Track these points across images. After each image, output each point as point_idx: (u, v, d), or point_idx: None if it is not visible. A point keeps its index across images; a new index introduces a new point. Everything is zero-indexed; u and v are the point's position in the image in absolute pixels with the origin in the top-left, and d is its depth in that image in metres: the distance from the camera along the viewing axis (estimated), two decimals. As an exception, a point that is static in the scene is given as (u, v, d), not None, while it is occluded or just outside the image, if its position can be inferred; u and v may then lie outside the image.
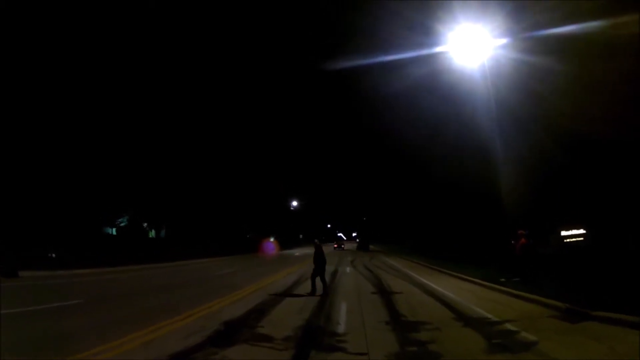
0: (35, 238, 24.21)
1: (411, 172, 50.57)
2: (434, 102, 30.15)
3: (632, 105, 14.54)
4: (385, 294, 13.52)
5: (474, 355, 6.35)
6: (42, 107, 28.48)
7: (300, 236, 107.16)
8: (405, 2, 23.98)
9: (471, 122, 24.83)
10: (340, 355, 6.40)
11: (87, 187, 32.55)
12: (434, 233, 46.99)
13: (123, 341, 6.90)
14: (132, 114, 36.75)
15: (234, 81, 70.63)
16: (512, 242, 14.89)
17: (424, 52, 19.27)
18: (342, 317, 9.30)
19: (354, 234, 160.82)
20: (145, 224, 46.73)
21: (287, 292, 13.88)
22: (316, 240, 15.26)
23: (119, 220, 41.35)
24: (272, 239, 60.28)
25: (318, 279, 13.47)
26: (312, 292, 13.10)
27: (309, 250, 56.21)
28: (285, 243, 73.07)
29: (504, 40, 15.85)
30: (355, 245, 75.18)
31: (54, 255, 20.17)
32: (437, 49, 17.85)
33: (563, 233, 23.23)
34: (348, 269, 23.91)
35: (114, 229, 42.05)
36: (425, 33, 19.34)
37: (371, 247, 68.97)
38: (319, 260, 13.60)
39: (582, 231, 22.30)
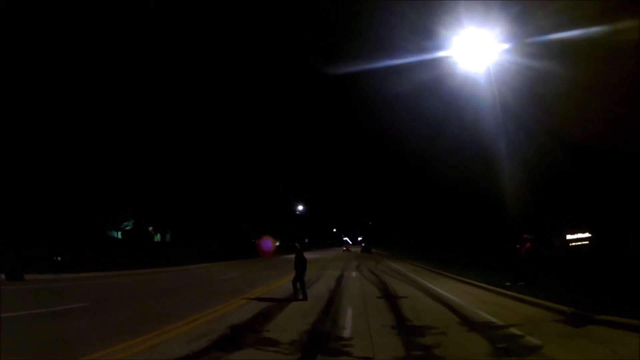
0: (41, 241, 24.30)
1: (414, 176, 50.62)
2: (437, 106, 30.13)
3: (635, 109, 14.52)
4: (390, 298, 13.54)
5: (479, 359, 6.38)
6: (48, 110, 28.67)
7: (306, 240, 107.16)
8: (410, 6, 24.01)
9: (474, 126, 24.83)
10: (346, 359, 6.44)
11: (93, 191, 32.71)
12: (438, 237, 46.93)
13: (128, 345, 6.96)
14: (138, 118, 36.94)
15: (239, 87, 70.76)
16: (517, 246, 14.88)
17: (428, 56, 19.32)
18: (348, 322, 9.33)
19: (359, 239, 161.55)
20: (150, 228, 46.86)
21: (292, 297, 13.90)
22: (297, 245, 15.19)
23: (124, 224, 41.54)
24: (269, 237, 58.25)
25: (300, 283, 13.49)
26: (295, 297, 13.06)
27: (314, 255, 56.32)
28: (290, 247, 73.10)
29: (507, 45, 15.90)
30: (359, 248, 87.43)
31: (59, 258, 20.19)
32: (441, 53, 17.91)
33: (568, 237, 23.13)
34: (354, 274, 23.88)
35: (119, 233, 42.22)
36: (430, 37, 19.39)
37: (377, 251, 74.65)
38: (300, 266, 13.56)
39: (587, 235, 22.21)
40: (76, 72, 30.77)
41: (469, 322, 9.12)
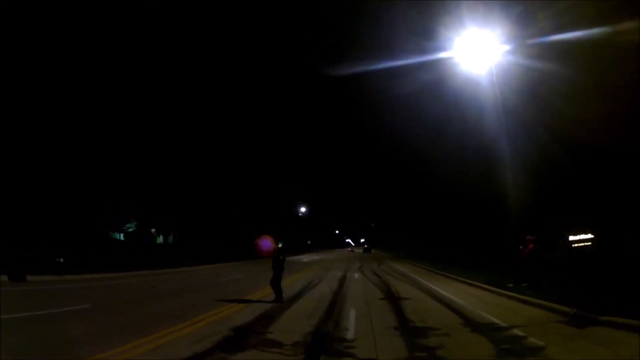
0: (43, 243, 24.33)
1: (416, 177, 50.62)
2: (439, 106, 30.19)
3: (637, 110, 14.52)
4: (393, 299, 13.56)
5: (482, 361, 6.41)
6: (51, 110, 28.76)
7: (309, 242, 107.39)
8: (412, 8, 24.05)
9: (476, 126, 24.85)
10: (350, 360, 6.47)
11: (95, 193, 32.79)
12: (440, 238, 46.88)
13: (132, 345, 6.99)
14: (140, 120, 37.03)
15: (240, 89, 70.85)
16: (520, 247, 14.88)
17: (430, 57, 19.35)
18: (351, 323, 9.34)
19: (361, 240, 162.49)
20: (152, 230, 46.91)
21: (296, 298, 13.93)
22: (278, 246, 14.62)
23: (127, 225, 41.58)
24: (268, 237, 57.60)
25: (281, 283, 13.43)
26: (277, 299, 12.97)
27: (318, 257, 56.39)
28: (293, 249, 73.48)
29: (509, 46, 15.93)
30: (362, 249, 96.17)
31: (61, 260, 20.25)
32: (443, 54, 17.96)
33: (571, 238, 23.10)
34: (356, 275, 23.89)
35: (122, 234, 42.27)
36: (431, 38, 19.45)
37: (379, 252, 79.40)
38: (278, 267, 13.39)
39: (589, 236, 22.18)
40: (79, 73, 30.88)
41: (471, 324, 9.14)
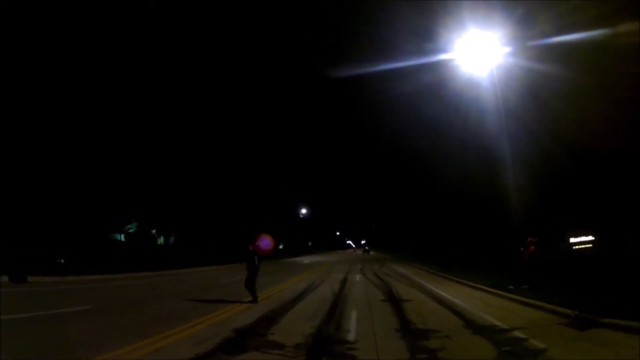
0: (44, 244, 24.37)
1: (417, 179, 50.65)
2: (440, 108, 30.20)
3: (638, 111, 14.53)
4: (394, 301, 13.54)
5: (483, 363, 6.42)
6: (51, 111, 28.80)
7: (310, 243, 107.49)
8: (413, 9, 24.08)
9: (477, 128, 24.85)
10: (351, 362, 6.49)
11: (96, 193, 32.83)
12: (441, 240, 46.88)
13: (134, 347, 7.01)
14: (141, 121, 37.09)
15: (241, 90, 70.95)
16: (522, 249, 14.86)
17: (431, 59, 19.34)
18: (353, 325, 9.35)
19: (362, 242, 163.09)
20: (153, 231, 46.94)
21: (298, 299, 13.93)
22: (250, 246, 14.44)
23: (128, 226, 41.62)
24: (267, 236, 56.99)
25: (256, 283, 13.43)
26: (253, 299, 12.98)
27: (319, 258, 56.33)
28: (294, 250, 73.74)
29: (510, 48, 15.94)
30: (362, 250, 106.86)
31: (62, 261, 20.31)
32: (444, 56, 17.96)
33: (572, 240, 23.08)
34: (358, 277, 23.86)
35: (123, 235, 42.31)
36: (432, 40, 19.45)
37: (380, 254, 79.65)
38: (252, 268, 13.36)
39: (590, 238, 22.16)
40: (80, 73, 30.93)
41: (473, 326, 9.13)
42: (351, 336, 8.24)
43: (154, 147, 39.45)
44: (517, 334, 8.16)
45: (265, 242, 53.36)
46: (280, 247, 74.04)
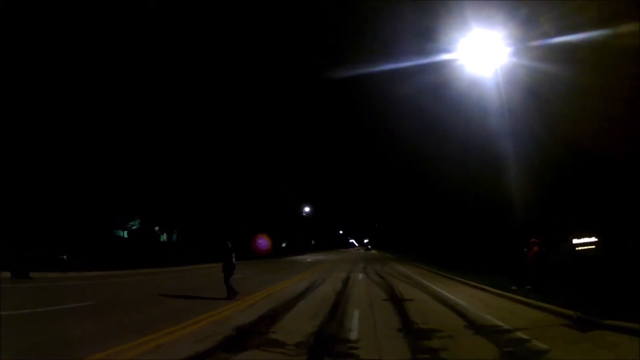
0: (47, 240, 24.40)
1: (419, 178, 50.60)
2: (443, 108, 30.16)
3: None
4: (396, 301, 13.52)
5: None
6: (54, 109, 28.83)
7: (312, 242, 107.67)
8: (416, 10, 24.05)
9: (481, 128, 24.82)
10: (353, 361, 6.48)
11: (98, 190, 32.84)
12: (444, 240, 46.88)
13: (135, 344, 7.00)
14: (144, 119, 37.13)
15: (242, 90, 70.89)
16: (525, 250, 14.83)
17: (435, 59, 19.32)
18: (355, 324, 9.33)
19: (365, 241, 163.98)
20: (156, 228, 47.00)
21: (299, 298, 13.93)
22: (228, 243, 14.32)
23: (131, 223, 41.66)
24: (264, 235, 56.79)
25: (233, 281, 13.61)
26: (229, 297, 13.11)
27: (321, 257, 56.35)
28: (296, 249, 73.97)
29: (513, 48, 15.92)
30: (364, 249, 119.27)
31: (65, 257, 20.35)
32: (448, 56, 17.93)
33: (574, 241, 23.01)
34: (360, 276, 23.84)
35: (126, 232, 42.37)
36: (436, 40, 19.43)
37: (383, 253, 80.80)
38: (228, 265, 13.53)
39: (593, 239, 22.09)
40: (81, 73, 30.93)
41: (475, 326, 9.12)
42: (353, 335, 8.22)
43: (157, 147, 39.44)
44: (520, 334, 8.16)
45: (262, 242, 53.46)
46: (283, 245, 74.25)
